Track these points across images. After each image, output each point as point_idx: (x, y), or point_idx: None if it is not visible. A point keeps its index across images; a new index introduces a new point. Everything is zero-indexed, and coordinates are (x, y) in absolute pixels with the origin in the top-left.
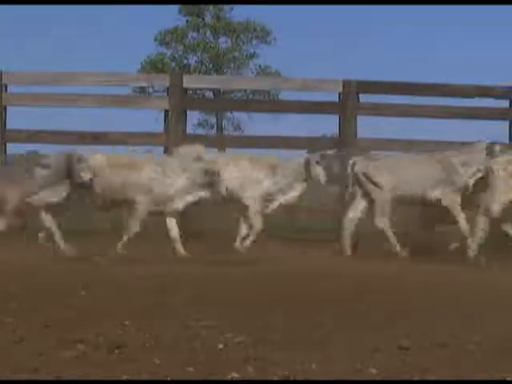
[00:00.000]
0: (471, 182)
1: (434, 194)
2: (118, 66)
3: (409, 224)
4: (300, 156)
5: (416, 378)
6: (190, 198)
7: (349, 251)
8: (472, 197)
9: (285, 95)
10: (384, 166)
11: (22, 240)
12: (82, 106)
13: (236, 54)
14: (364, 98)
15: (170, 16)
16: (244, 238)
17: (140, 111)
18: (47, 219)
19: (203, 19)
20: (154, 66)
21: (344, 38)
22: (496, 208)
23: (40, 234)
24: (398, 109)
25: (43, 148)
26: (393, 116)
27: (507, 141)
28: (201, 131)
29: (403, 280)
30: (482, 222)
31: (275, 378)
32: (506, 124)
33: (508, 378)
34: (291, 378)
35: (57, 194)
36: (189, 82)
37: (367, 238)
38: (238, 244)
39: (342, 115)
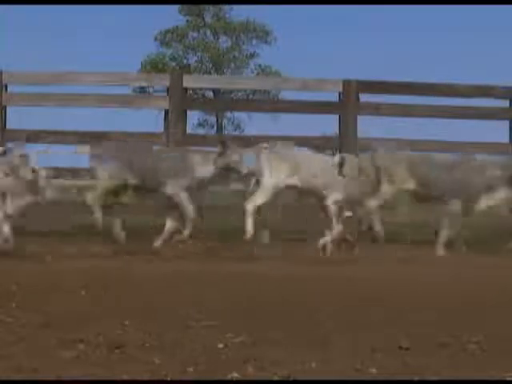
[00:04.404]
0: None
1: None
2: (118, 66)
3: None
4: None
5: (416, 378)
6: None
7: None
8: None
9: (285, 95)
10: None
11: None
12: (82, 106)
13: (236, 53)
14: (364, 97)
15: (170, 16)
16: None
17: (140, 111)
18: None
19: (203, 19)
20: (154, 66)
21: (344, 37)
22: None
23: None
24: (398, 109)
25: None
26: (393, 116)
27: (507, 141)
28: (201, 131)
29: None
30: None
31: (275, 378)
32: (506, 124)
33: (508, 378)
34: (291, 378)
35: None
36: (189, 81)
37: None
38: None
39: (342, 115)
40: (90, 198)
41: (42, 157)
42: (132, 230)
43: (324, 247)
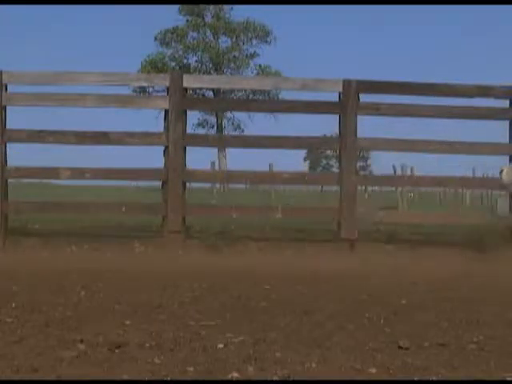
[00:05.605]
0: None
1: None
2: (118, 65)
3: None
4: None
5: (416, 378)
6: None
7: None
8: None
9: (285, 95)
10: None
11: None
12: (82, 106)
13: (236, 53)
14: (364, 97)
15: (170, 16)
16: None
17: (140, 111)
18: None
19: (203, 19)
20: (154, 66)
21: (344, 37)
22: None
23: None
24: (398, 109)
25: (43, 148)
26: (393, 116)
27: (507, 140)
28: (201, 131)
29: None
30: None
31: (275, 378)
32: (506, 124)
33: (508, 378)
34: (291, 378)
35: None
36: (189, 81)
37: None
38: None
39: (342, 115)
40: None
41: None
42: None
43: None
